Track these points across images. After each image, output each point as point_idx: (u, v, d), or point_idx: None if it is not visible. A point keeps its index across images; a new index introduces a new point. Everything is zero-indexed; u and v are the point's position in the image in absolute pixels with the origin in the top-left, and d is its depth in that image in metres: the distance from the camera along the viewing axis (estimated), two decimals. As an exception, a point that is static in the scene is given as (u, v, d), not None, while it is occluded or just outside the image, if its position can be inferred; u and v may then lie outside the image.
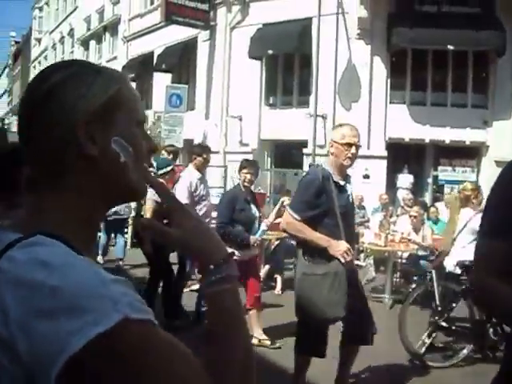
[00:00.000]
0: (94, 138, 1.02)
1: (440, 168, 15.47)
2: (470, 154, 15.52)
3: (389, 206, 12.73)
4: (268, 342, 6.31)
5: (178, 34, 19.68)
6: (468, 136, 15.05)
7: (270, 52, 16.48)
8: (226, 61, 18.34)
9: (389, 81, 15.41)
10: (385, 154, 15.20)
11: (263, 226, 6.64)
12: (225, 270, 1.10)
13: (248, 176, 6.35)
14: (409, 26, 13.95)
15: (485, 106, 15.25)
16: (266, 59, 17.37)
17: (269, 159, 18.14)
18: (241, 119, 17.83)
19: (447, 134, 15.02)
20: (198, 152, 7.23)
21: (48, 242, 0.90)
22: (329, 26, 15.45)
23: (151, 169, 6.85)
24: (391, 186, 14.91)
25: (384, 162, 15.15)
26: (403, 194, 13.30)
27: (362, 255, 11.94)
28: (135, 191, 1.12)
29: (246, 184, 6.37)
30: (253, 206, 6.44)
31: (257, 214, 6.49)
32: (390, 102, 15.42)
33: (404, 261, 9.33)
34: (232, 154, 17.29)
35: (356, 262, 11.34)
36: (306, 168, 16.07)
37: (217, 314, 1.08)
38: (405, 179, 15.13)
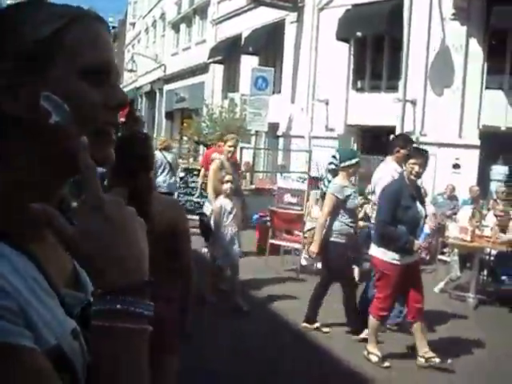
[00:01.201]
0: (17, 93, 0.84)
1: (539, 159, 14.39)
2: None
3: (479, 199, 11.98)
4: (437, 360, 5.44)
5: (265, 16, 19.45)
6: None
7: (359, 34, 15.90)
8: (314, 43, 17.91)
9: (485, 65, 14.42)
10: (478, 143, 14.30)
11: (426, 229, 5.91)
12: (124, 302, 0.80)
13: (416, 167, 5.43)
14: (510, 4, 12.92)
15: None
16: (355, 41, 16.80)
17: (355, 145, 17.57)
18: (327, 103, 17.41)
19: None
20: (401, 145, 6.57)
21: None
22: (421, 5, 14.67)
23: (333, 160, 6.53)
24: (484, 177, 14.02)
25: (477, 152, 14.27)
26: (497, 187, 12.49)
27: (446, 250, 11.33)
28: (76, 159, 0.83)
29: (412, 177, 5.47)
30: (418, 204, 5.57)
31: (423, 213, 5.64)
32: (486, 88, 14.43)
33: (492, 258, 8.67)
34: (317, 139, 16.92)
35: (440, 257, 10.89)
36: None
37: (98, 358, 0.81)
38: (499, 170, 14.21)
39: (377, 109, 15.74)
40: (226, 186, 6.83)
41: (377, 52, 16.83)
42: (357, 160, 6.43)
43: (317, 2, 17.70)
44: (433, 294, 8.45)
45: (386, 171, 6.39)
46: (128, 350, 0.81)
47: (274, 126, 18.75)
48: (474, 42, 14.32)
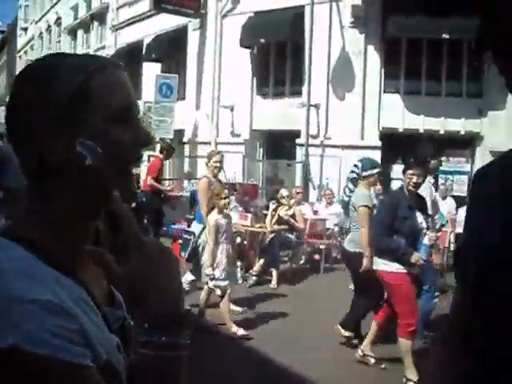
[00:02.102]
0: (55, 144, 0.94)
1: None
2: (465, 143, 15.38)
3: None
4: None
5: (167, 22, 19.37)
6: (463, 126, 14.90)
7: (262, 41, 16.21)
8: (217, 50, 18.07)
9: (383, 70, 15.20)
10: (379, 144, 15.02)
11: (426, 241, 5.68)
12: (168, 335, 0.94)
13: (414, 178, 5.36)
14: (403, 14, 13.73)
15: (480, 95, 15.07)
16: (258, 48, 17.10)
17: (261, 150, 17.92)
18: (232, 109, 17.59)
19: (441, 124, 14.87)
20: (430, 154, 6.66)
21: (4, 243, 0.90)
22: (322, 14, 15.23)
23: (355, 169, 6.44)
24: (385, 177, 14.73)
25: (378, 153, 14.95)
26: (397, 185, 13.17)
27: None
28: (111, 192, 1.00)
29: (410, 188, 5.39)
30: (418, 215, 5.43)
31: (423, 225, 5.49)
32: (384, 92, 15.23)
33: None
34: (223, 145, 17.06)
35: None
36: (298, 158, 15.91)
37: (146, 380, 0.96)
38: (398, 169, 14.96)
39: (281, 113, 16.14)
40: (224, 202, 6.61)
41: (280, 58, 17.21)
42: (378, 170, 6.44)
43: (220, 9, 17.88)
44: (348, 291, 8.80)
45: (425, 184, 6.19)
46: (172, 372, 0.96)
47: (179, 133, 18.73)
48: (371, 48, 15.05)
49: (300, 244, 10.66)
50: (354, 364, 5.77)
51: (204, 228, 7.00)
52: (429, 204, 6.06)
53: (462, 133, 14.98)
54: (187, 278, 7.25)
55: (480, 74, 14.95)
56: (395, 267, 5.26)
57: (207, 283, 6.65)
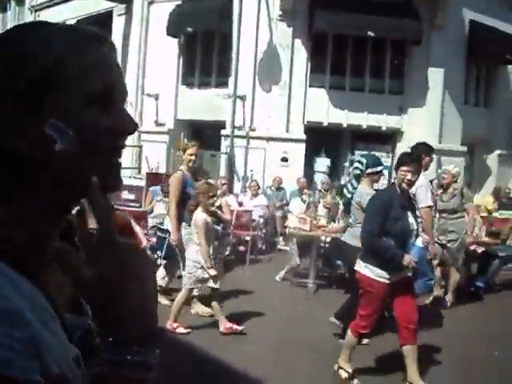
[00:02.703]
0: (18, 128, 0.81)
1: (356, 152, 15.63)
2: (386, 139, 15.86)
3: (306, 189, 12.74)
4: None
5: (91, 5, 18.83)
6: (384, 121, 15.35)
7: (189, 30, 16.04)
8: (143, 37, 17.73)
9: (309, 64, 15.38)
10: (303, 137, 15.22)
11: (419, 242, 5.12)
12: (134, 353, 0.84)
13: (408, 175, 4.93)
14: (331, 10, 13.94)
15: (401, 92, 15.58)
16: (185, 36, 16.90)
17: (185, 140, 17.73)
18: (157, 98, 17.34)
19: (364, 119, 15.24)
20: (425, 152, 6.45)
21: None
22: (250, 5, 15.23)
23: (359, 165, 6.28)
24: (309, 169, 14.97)
25: (302, 146, 15.17)
26: (321, 177, 13.41)
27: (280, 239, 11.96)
28: (87, 185, 0.85)
29: (404, 185, 4.95)
30: (410, 215, 5.02)
31: (414, 226, 5.07)
32: (310, 86, 15.42)
33: (327, 245, 9.32)
34: (147, 134, 16.79)
35: (279, 247, 11.47)
36: (223, 149, 15.88)
37: None
38: (322, 162, 15.26)
39: (207, 104, 16.05)
40: (212, 201, 6.35)
41: (207, 48, 17.09)
42: (382, 167, 6.37)
43: (147, -5, 17.54)
44: (274, 282, 8.92)
45: (422, 178, 6.08)
46: None
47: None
48: (298, 42, 15.21)
49: (226, 235, 10.64)
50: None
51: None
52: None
53: (384, 128, 15.41)
54: (159, 273, 7.06)
55: (401, 72, 15.45)
56: (379, 274, 4.92)
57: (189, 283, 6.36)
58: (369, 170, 6.24)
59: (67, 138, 0.81)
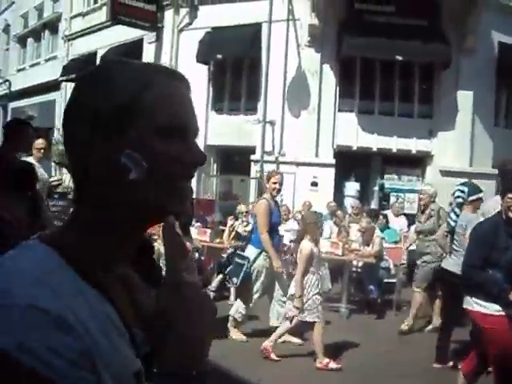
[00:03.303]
0: (101, 152, 0.90)
1: (386, 176, 15.65)
2: (416, 162, 15.78)
3: (337, 213, 12.73)
4: None
5: (122, 34, 19.19)
6: (414, 145, 15.31)
7: (219, 56, 16.26)
8: (173, 64, 17.99)
9: (338, 89, 15.47)
10: (333, 161, 15.25)
11: None
12: None
13: None
14: (359, 35, 14.04)
15: (430, 116, 15.54)
16: (214, 63, 17.14)
17: (215, 165, 17.91)
18: (187, 124, 17.48)
19: (394, 143, 15.23)
20: None
21: (33, 247, 0.88)
22: (279, 32, 15.40)
23: (461, 194, 6.36)
24: (339, 193, 14.98)
25: (332, 170, 15.20)
26: (350, 202, 13.40)
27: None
28: (157, 211, 0.94)
29: (510, 214, 4.55)
30: None
31: None
32: (339, 110, 15.48)
33: (359, 270, 9.31)
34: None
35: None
36: (253, 174, 15.97)
37: None
38: (351, 187, 15.28)
39: (236, 129, 16.19)
40: (320, 231, 6.59)
41: (236, 74, 17.28)
42: (482, 194, 6.40)
43: (177, 23, 17.87)
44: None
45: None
46: None
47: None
48: (327, 67, 15.31)
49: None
50: None
51: (261, 253, 6.87)
52: None
53: (414, 152, 15.37)
54: (239, 306, 7.08)
55: (430, 96, 15.44)
56: (493, 309, 4.42)
57: (286, 315, 6.39)
58: (471, 198, 6.26)
59: (141, 168, 0.89)
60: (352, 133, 15.21)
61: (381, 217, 11.66)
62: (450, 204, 6.77)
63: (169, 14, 18.16)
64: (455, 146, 15.11)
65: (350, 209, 12.58)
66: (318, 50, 15.22)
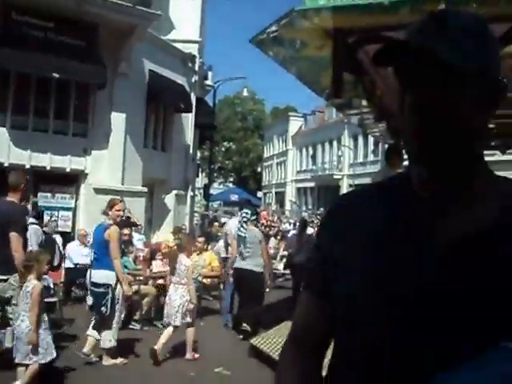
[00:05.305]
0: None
1: (40, 194, 15.26)
2: (70, 180, 15.79)
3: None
4: None
5: None
6: (68, 163, 15.32)
7: None
8: None
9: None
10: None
11: None
12: None
13: None
14: (14, 48, 13.45)
15: (85, 134, 15.73)
16: None
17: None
18: None
19: (48, 161, 15.00)
20: None
21: None
22: None
23: (245, 215, 9.09)
24: None
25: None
26: None
27: None
28: None
29: None
30: None
31: None
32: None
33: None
34: None
35: None
36: None
37: None
38: None
39: None
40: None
41: None
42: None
43: None
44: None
45: None
46: None
47: None
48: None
49: None
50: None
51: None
52: None
53: (68, 170, 15.38)
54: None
55: (86, 115, 15.69)
56: None
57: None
58: (252, 218, 8.95)
59: None
60: (4, 148, 14.48)
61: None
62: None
63: None
64: (108, 165, 15.64)
65: None
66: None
